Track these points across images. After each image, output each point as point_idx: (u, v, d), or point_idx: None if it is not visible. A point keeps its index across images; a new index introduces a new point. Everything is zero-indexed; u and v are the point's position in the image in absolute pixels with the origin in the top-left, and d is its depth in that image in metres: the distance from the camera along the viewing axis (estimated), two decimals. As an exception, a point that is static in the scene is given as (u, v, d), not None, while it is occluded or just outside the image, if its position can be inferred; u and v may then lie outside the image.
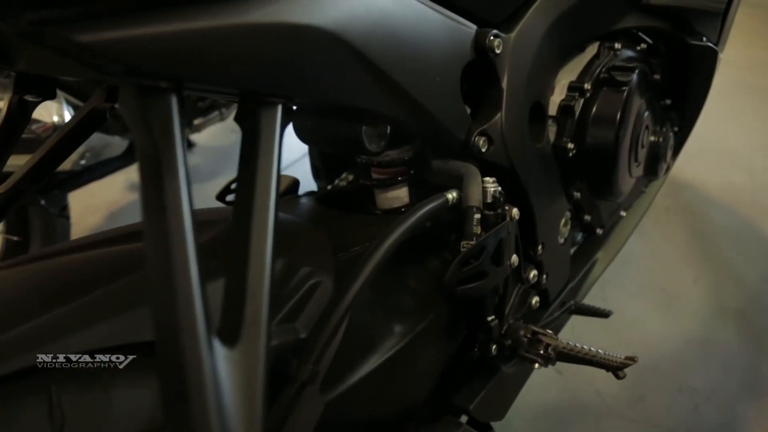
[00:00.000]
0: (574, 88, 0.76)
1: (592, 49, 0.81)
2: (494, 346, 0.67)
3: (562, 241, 0.78)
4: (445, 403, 0.67)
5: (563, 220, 0.77)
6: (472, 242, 0.56)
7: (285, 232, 0.54)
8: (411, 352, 0.58)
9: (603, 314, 0.87)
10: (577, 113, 0.76)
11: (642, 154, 0.88)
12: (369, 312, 0.57)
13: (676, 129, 1.05)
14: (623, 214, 1.04)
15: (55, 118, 1.19)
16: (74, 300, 0.39)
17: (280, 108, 0.39)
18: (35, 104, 0.52)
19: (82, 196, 1.61)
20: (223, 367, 0.31)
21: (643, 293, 1.45)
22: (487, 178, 0.60)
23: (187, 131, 1.87)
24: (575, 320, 0.94)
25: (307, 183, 0.91)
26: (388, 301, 0.60)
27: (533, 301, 0.75)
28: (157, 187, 0.31)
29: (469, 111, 0.61)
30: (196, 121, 1.85)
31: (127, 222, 0.57)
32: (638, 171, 0.89)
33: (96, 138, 1.35)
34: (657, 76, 0.96)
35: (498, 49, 0.58)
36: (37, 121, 1.17)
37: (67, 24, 0.28)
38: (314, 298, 0.48)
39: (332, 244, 0.55)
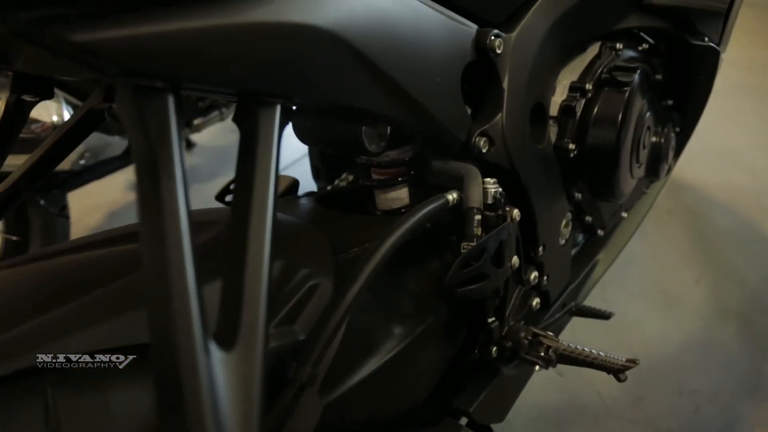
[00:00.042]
0: (575, 88, 0.75)
1: (593, 49, 0.81)
2: (494, 348, 0.67)
3: (563, 242, 0.77)
4: (444, 406, 0.67)
5: (564, 222, 0.77)
6: (473, 244, 0.56)
7: (284, 233, 0.54)
8: (411, 354, 0.57)
9: (604, 316, 0.86)
10: (578, 114, 0.75)
11: (643, 154, 0.87)
12: (368, 314, 0.57)
13: (677, 130, 1.05)
14: (624, 215, 1.03)
15: (55, 118, 1.18)
16: (74, 300, 0.39)
17: (278, 108, 0.38)
18: (33, 104, 0.51)
19: (81, 196, 1.61)
20: (220, 371, 0.31)
21: (644, 294, 1.44)
22: (488, 179, 0.59)
23: (187, 131, 1.87)
24: (575, 321, 0.93)
25: (307, 183, 0.91)
26: (387, 303, 0.59)
27: (534, 303, 0.75)
28: (154, 188, 0.31)
29: (469, 111, 0.60)
30: (196, 121, 1.84)
31: (126, 222, 0.57)
32: (640, 172, 0.89)
33: (95, 138, 1.35)
34: (659, 77, 0.96)
35: (499, 49, 0.58)
36: (36, 121, 1.17)
37: (63, 23, 0.27)
38: (313, 299, 0.48)
39: (332, 245, 0.55)
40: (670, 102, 1.02)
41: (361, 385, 0.52)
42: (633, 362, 0.60)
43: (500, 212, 0.59)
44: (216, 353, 0.31)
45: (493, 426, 0.70)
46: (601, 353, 0.62)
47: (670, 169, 1.02)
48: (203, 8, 0.32)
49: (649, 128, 0.87)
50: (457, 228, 0.59)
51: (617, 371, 0.61)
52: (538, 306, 0.76)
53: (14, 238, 1.32)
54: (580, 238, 0.99)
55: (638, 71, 0.78)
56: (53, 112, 1.19)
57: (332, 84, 0.43)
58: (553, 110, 0.75)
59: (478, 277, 0.57)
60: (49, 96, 0.51)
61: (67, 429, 0.34)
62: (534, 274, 0.72)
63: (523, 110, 0.63)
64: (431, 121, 0.54)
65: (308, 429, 0.43)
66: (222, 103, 1.86)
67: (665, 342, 1.30)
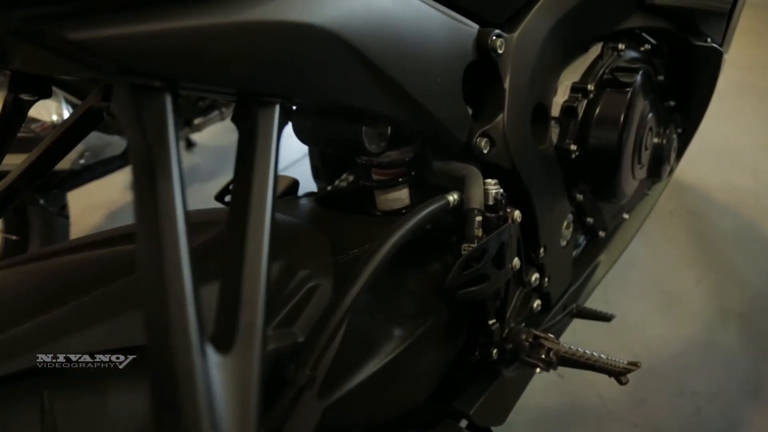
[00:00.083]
0: (577, 89, 0.75)
1: (595, 50, 0.80)
2: (495, 350, 0.66)
3: (564, 243, 0.77)
4: (445, 408, 0.67)
5: (566, 223, 0.76)
6: (474, 245, 0.56)
7: (283, 234, 0.54)
8: (411, 356, 0.57)
9: (605, 318, 0.86)
10: (580, 115, 0.75)
11: (645, 156, 0.87)
12: (368, 315, 0.56)
13: (679, 131, 1.05)
14: (626, 216, 1.03)
15: (54, 117, 1.18)
16: (74, 300, 0.39)
17: (277, 108, 0.38)
18: (31, 103, 0.51)
19: (81, 196, 1.61)
20: (216, 374, 0.31)
21: (645, 295, 1.44)
22: (489, 180, 0.59)
23: (188, 130, 1.86)
24: (576, 322, 0.93)
25: (307, 184, 0.91)
26: (387, 305, 0.59)
27: (535, 305, 0.75)
28: (150, 189, 0.30)
29: (470, 112, 0.60)
30: (197, 121, 1.84)
31: (126, 222, 0.56)
32: (641, 173, 0.88)
33: (95, 137, 1.35)
34: (661, 77, 0.95)
35: (500, 50, 0.57)
36: (36, 120, 1.16)
37: (59, 21, 0.27)
38: (312, 301, 0.48)
39: (331, 245, 0.55)
40: (672, 103, 1.02)
41: (360, 387, 0.52)
42: (635, 365, 0.60)
43: (501, 213, 0.59)
44: (213, 356, 0.31)
45: (494, 428, 0.70)
46: (602, 356, 0.62)
47: (672, 170, 1.01)
48: (201, 6, 0.32)
49: (651, 129, 0.87)
50: (457, 229, 0.59)
51: (619, 374, 0.60)
52: (539, 308, 0.76)
53: (14, 237, 1.32)
54: (582, 239, 0.99)
55: (640, 72, 0.78)
56: (53, 111, 1.19)
57: (332, 84, 0.43)
58: (555, 111, 0.75)
59: (478, 278, 0.57)
60: (48, 95, 0.51)
61: (64, 431, 0.34)
62: (535, 276, 0.72)
63: (525, 111, 0.63)
64: (432, 121, 0.54)
65: (307, 432, 0.43)
66: (222, 102, 1.85)
67: (666, 343, 1.29)
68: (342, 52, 0.42)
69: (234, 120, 0.39)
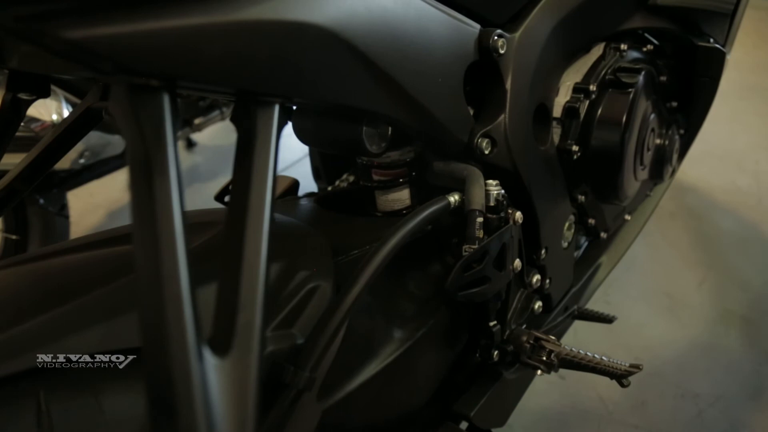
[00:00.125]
0: (579, 89, 0.75)
1: (597, 50, 0.80)
2: (496, 352, 0.66)
3: (565, 245, 0.77)
4: (445, 410, 0.66)
5: (567, 224, 0.76)
6: (475, 246, 0.55)
7: (283, 234, 0.53)
8: (411, 357, 0.57)
9: (606, 320, 0.85)
10: (582, 115, 0.75)
11: (647, 157, 0.87)
12: (368, 317, 0.56)
13: (682, 131, 1.04)
14: (628, 217, 1.03)
15: (54, 117, 1.18)
16: (74, 300, 0.39)
17: (277, 108, 0.38)
18: (29, 102, 0.51)
19: (81, 195, 1.61)
20: (214, 378, 0.30)
21: (646, 297, 1.43)
22: (490, 181, 0.59)
23: (188, 130, 1.86)
24: (577, 323, 0.93)
25: (308, 184, 0.90)
26: (388, 306, 0.59)
27: (536, 306, 0.74)
28: (147, 189, 0.30)
29: (472, 112, 0.60)
30: (197, 120, 1.83)
31: (126, 221, 0.56)
32: (643, 174, 0.88)
33: (95, 137, 1.34)
34: (663, 78, 0.95)
35: (502, 50, 0.57)
36: (35, 120, 1.16)
37: (54, 20, 0.27)
38: (312, 302, 0.48)
39: (332, 246, 0.54)
40: (674, 103, 1.02)
41: (360, 389, 0.51)
42: (636, 367, 0.60)
43: (502, 214, 0.59)
44: (210, 359, 0.31)
45: (494, 430, 0.69)
46: (604, 358, 0.61)
47: (674, 172, 1.01)
48: (199, 5, 0.31)
49: (653, 130, 0.86)
50: (458, 230, 0.58)
51: (620, 376, 0.60)
52: (540, 309, 0.75)
53: (13, 237, 1.32)
54: (583, 240, 0.98)
55: (643, 72, 0.77)
56: (53, 110, 1.18)
57: (332, 84, 0.42)
58: (557, 111, 0.74)
59: (479, 280, 0.57)
60: (46, 94, 0.51)
61: None
62: (536, 277, 0.71)
63: (526, 111, 0.62)
64: (433, 121, 0.53)
65: (306, 434, 0.42)
66: (223, 102, 1.85)
67: (667, 345, 1.29)
68: (342, 52, 0.41)
69: (233, 120, 0.38)
